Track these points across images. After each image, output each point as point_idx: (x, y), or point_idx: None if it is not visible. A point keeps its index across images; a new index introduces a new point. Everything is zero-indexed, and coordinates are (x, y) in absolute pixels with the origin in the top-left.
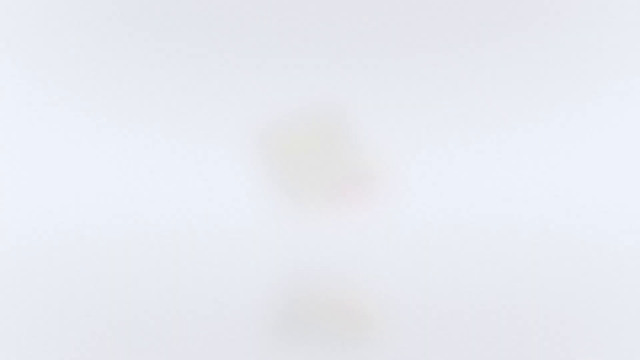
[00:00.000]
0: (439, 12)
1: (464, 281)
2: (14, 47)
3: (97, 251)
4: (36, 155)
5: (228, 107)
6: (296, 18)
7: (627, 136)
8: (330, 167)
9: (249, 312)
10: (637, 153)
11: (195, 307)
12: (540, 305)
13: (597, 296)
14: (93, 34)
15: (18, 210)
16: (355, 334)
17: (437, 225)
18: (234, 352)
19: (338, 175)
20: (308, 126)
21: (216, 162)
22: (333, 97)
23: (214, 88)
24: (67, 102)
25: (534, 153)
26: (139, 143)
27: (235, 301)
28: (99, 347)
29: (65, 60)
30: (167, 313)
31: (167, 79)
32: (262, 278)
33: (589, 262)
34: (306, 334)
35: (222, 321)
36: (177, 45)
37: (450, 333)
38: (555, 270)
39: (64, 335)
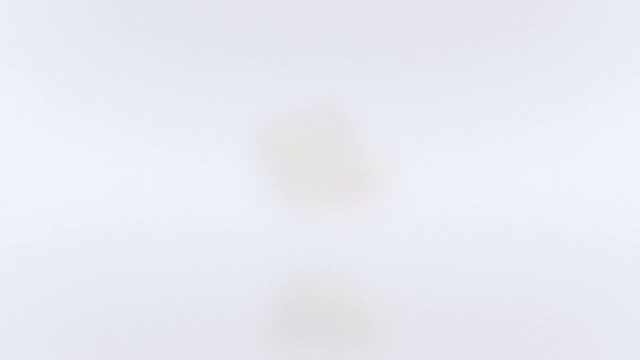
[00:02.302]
0: (439, 12)
1: (464, 281)
2: (16, 47)
3: (97, 251)
4: (40, 156)
5: (228, 107)
6: (296, 18)
7: (627, 136)
8: (330, 167)
9: (249, 312)
10: (637, 153)
11: (195, 307)
12: (541, 306)
13: (598, 297)
14: (94, 35)
15: (18, 210)
16: (355, 334)
17: (437, 226)
18: (234, 352)
19: (338, 175)
20: (308, 126)
21: (216, 161)
22: (333, 97)
23: (214, 88)
24: (68, 103)
25: (534, 153)
26: (138, 143)
27: (235, 301)
28: (99, 347)
29: (67, 61)
30: (167, 313)
31: (167, 79)
32: (261, 278)
33: (591, 263)
34: (306, 334)
35: (222, 321)
36: (177, 46)
37: (451, 333)
38: (555, 271)
39: (64, 335)
